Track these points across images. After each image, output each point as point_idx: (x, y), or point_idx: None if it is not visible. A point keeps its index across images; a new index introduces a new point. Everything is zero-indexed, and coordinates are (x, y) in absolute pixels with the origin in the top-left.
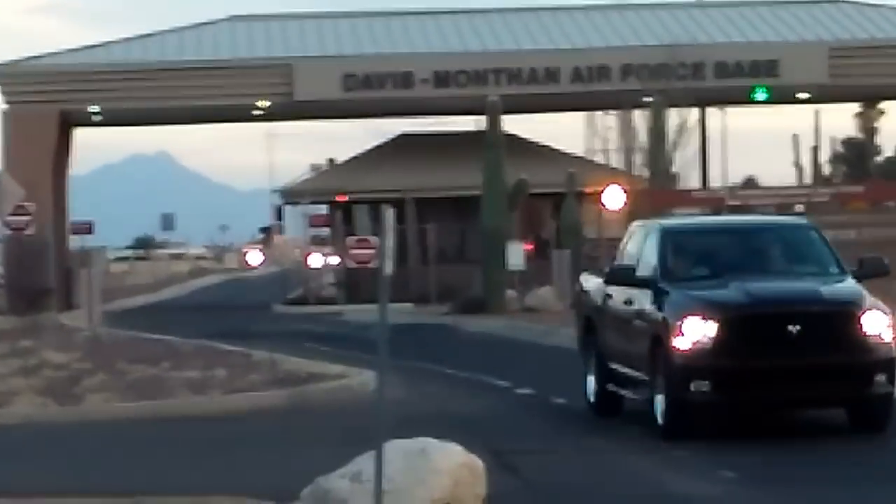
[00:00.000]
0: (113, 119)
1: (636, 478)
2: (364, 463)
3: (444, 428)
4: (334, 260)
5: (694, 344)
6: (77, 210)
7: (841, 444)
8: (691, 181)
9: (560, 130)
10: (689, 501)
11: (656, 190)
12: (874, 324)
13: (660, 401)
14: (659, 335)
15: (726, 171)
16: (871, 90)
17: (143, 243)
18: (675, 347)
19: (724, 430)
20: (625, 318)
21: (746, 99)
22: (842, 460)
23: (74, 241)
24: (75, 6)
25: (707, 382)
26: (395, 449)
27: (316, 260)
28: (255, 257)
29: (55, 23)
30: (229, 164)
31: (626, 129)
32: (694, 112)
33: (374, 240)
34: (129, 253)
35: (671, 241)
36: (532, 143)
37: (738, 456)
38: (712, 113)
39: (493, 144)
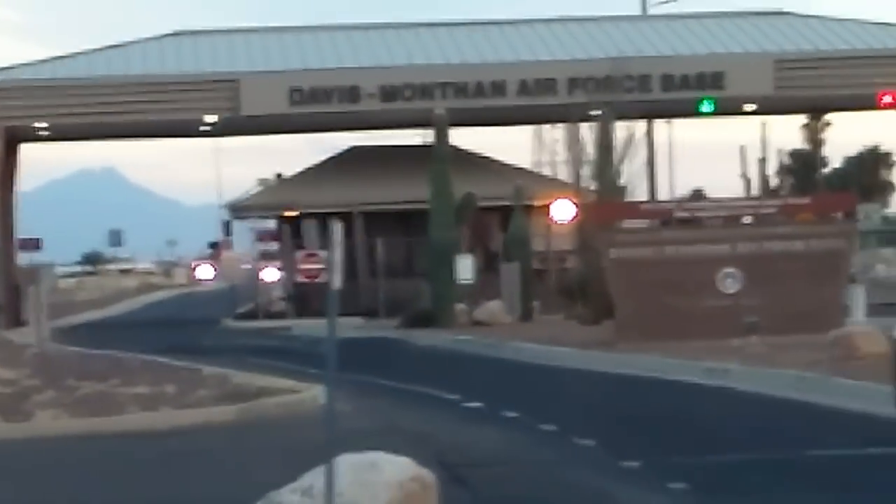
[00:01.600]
0: (59, 134)
1: (586, 490)
2: (315, 477)
3: (395, 441)
4: (276, 274)
5: None
6: (24, 226)
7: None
8: (639, 194)
9: (507, 143)
10: None
11: (604, 203)
12: None
13: None
14: None
15: (674, 184)
16: (817, 101)
17: (92, 259)
18: None
19: (677, 441)
20: None
21: (693, 111)
22: (792, 467)
23: (22, 258)
24: (15, 22)
25: None
26: (346, 463)
27: (270, 274)
28: (205, 272)
29: None
30: (177, 180)
31: (574, 142)
32: (641, 125)
33: (322, 254)
34: (77, 269)
35: None
36: (479, 156)
37: (689, 466)
38: (659, 125)
39: (441, 158)
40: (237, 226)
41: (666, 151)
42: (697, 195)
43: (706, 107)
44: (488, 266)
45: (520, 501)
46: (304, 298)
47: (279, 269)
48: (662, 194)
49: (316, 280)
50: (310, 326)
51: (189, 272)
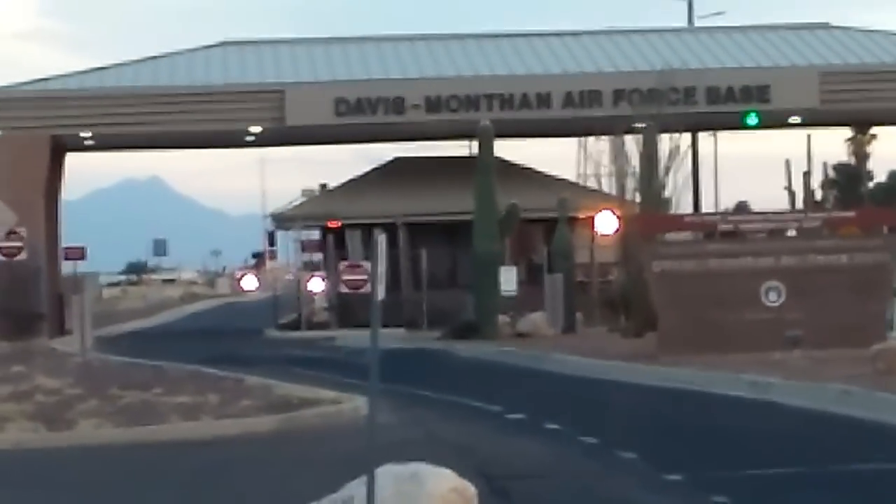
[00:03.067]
0: (105, 144)
1: None
2: (356, 488)
3: (436, 453)
4: (322, 285)
5: None
6: (69, 235)
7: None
8: (683, 206)
9: (552, 155)
10: None
11: (648, 215)
12: None
13: None
14: None
15: (718, 196)
16: (862, 115)
17: (136, 268)
18: None
19: (719, 454)
20: None
21: (738, 124)
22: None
23: (66, 267)
24: (60, 32)
25: None
26: (387, 474)
27: (316, 284)
28: (250, 282)
29: (39, 49)
30: (221, 189)
31: (618, 154)
32: (686, 137)
33: (366, 265)
34: (121, 278)
35: None
36: (524, 167)
37: (732, 480)
38: (704, 138)
39: (485, 169)
40: (281, 236)
41: (710, 164)
42: (741, 208)
43: (751, 120)
44: (531, 278)
45: None
46: (347, 309)
47: (323, 279)
48: (706, 207)
49: (359, 291)
50: (353, 337)
51: (233, 282)
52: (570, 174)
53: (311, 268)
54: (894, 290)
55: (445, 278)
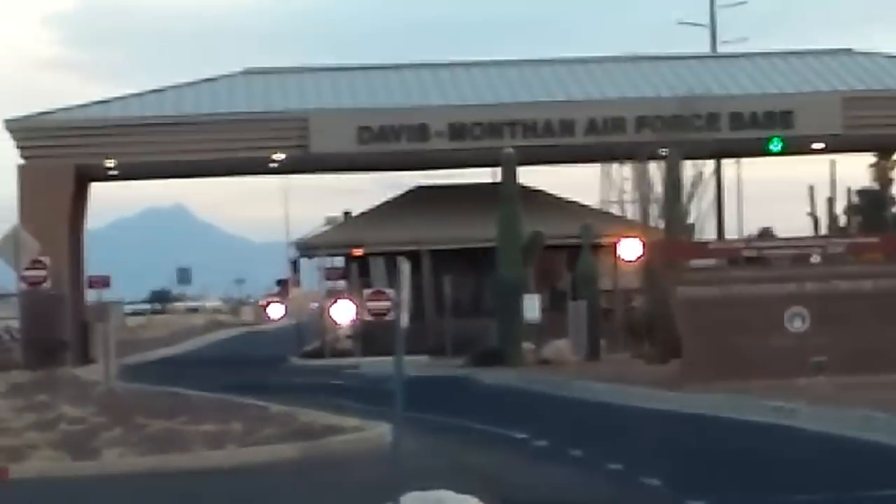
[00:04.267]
0: (128, 172)
1: None
2: None
3: (461, 480)
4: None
5: None
6: (93, 263)
7: None
8: (707, 232)
9: (575, 182)
10: None
11: (672, 241)
12: None
13: None
14: None
15: (742, 222)
16: (886, 140)
17: (160, 297)
18: None
19: (743, 481)
20: None
21: (762, 150)
22: None
23: (91, 295)
24: (84, 61)
25: None
26: (413, 501)
27: (343, 310)
28: (276, 310)
29: (65, 77)
30: (245, 217)
31: (642, 181)
32: (709, 163)
33: (390, 292)
34: (145, 306)
35: None
36: (547, 194)
37: None
38: (728, 164)
39: (509, 196)
40: (305, 264)
41: (734, 190)
42: (765, 234)
43: (775, 145)
44: (555, 305)
45: None
46: (370, 337)
47: (352, 300)
48: (730, 233)
49: (383, 318)
50: (376, 364)
51: (257, 310)
52: (593, 201)
53: (335, 295)
54: None
55: (469, 306)
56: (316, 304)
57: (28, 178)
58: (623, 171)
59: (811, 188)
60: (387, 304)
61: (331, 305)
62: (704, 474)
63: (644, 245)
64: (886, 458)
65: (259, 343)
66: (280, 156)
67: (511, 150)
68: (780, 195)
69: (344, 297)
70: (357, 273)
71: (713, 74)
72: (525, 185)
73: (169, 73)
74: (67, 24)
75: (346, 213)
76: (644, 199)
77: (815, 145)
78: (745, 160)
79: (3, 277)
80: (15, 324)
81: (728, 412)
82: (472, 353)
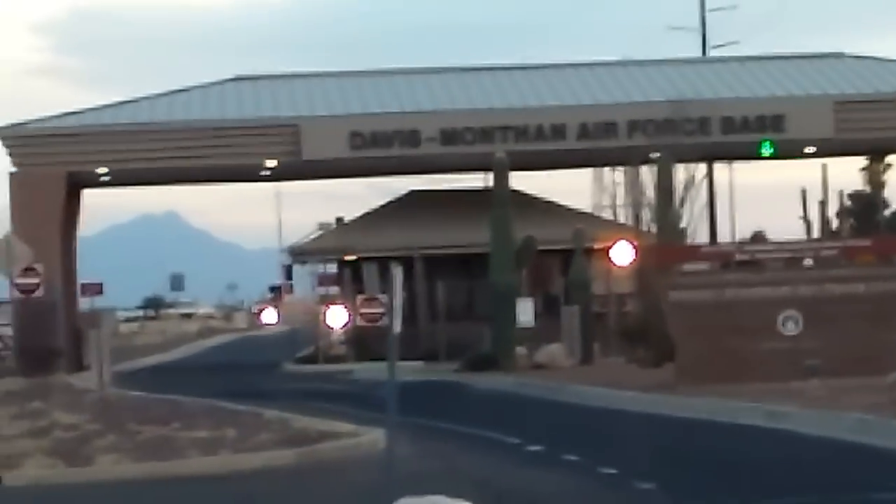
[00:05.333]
0: (121, 180)
1: None
2: None
3: (455, 485)
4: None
5: None
6: (86, 271)
7: None
8: (699, 236)
9: (567, 186)
10: None
11: (664, 245)
12: None
13: None
14: None
15: (734, 226)
16: (877, 143)
17: (153, 303)
18: None
19: (737, 484)
20: None
21: (753, 154)
22: None
23: (84, 302)
24: (76, 68)
25: None
26: None
27: (337, 315)
28: (270, 316)
29: (56, 84)
30: (237, 224)
31: (634, 185)
32: (701, 167)
33: (383, 298)
34: (139, 313)
35: None
36: (539, 199)
37: None
38: (719, 168)
39: (501, 201)
40: (297, 270)
41: (726, 194)
42: (758, 238)
43: (766, 149)
44: (548, 309)
45: None
46: (364, 342)
47: (346, 307)
48: (723, 237)
49: (376, 324)
50: (370, 370)
51: (250, 316)
52: (585, 205)
53: (327, 301)
54: None
55: (462, 311)
56: (309, 310)
57: (20, 186)
58: (615, 176)
59: (803, 192)
60: (380, 309)
61: (324, 311)
62: (698, 478)
63: (636, 249)
64: (878, 460)
65: (252, 349)
66: (272, 162)
67: (503, 155)
68: (773, 199)
69: (337, 303)
70: (350, 279)
71: (704, 79)
72: (517, 190)
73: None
74: (57, 32)
75: (339, 219)
76: (636, 204)
77: (807, 149)
78: (736, 164)
79: None
80: (8, 331)
81: (721, 416)
82: (465, 358)
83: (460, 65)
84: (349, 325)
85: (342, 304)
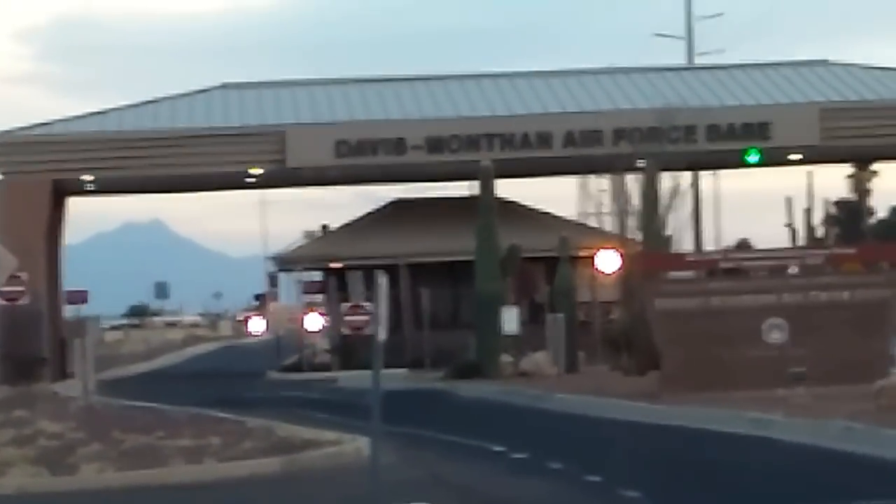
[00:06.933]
0: (106, 187)
1: None
2: None
3: (439, 494)
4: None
5: None
6: (71, 279)
7: None
8: (685, 244)
9: (553, 194)
10: None
11: (649, 253)
12: None
13: None
14: None
15: (720, 234)
16: (863, 151)
17: (138, 311)
18: None
19: (722, 493)
20: None
21: (739, 161)
22: None
23: (69, 311)
24: (58, 75)
25: None
26: None
27: (314, 322)
28: (257, 325)
29: (40, 92)
30: (223, 232)
31: (619, 193)
32: (687, 175)
33: (368, 306)
34: (123, 321)
35: None
36: (525, 207)
37: None
38: (705, 176)
39: (486, 209)
40: (283, 278)
41: (711, 202)
42: (743, 245)
43: (752, 157)
44: (533, 317)
45: None
46: (349, 350)
47: (322, 314)
48: (708, 245)
49: (361, 332)
50: (355, 378)
51: (236, 324)
52: (571, 213)
53: (313, 309)
54: None
55: (447, 319)
56: (294, 318)
57: (5, 193)
58: (600, 184)
59: (789, 199)
60: (365, 317)
61: (304, 316)
62: (683, 487)
63: (622, 257)
64: (864, 468)
65: (237, 357)
66: (258, 170)
67: (488, 163)
68: (758, 206)
69: (314, 310)
70: (335, 287)
71: (690, 86)
72: (503, 197)
73: (143, 87)
74: (40, 39)
75: (324, 227)
76: (621, 212)
77: (793, 156)
78: (722, 172)
79: None
80: None
81: (706, 424)
82: (450, 366)
83: (446, 73)
84: (334, 333)
85: (319, 311)
